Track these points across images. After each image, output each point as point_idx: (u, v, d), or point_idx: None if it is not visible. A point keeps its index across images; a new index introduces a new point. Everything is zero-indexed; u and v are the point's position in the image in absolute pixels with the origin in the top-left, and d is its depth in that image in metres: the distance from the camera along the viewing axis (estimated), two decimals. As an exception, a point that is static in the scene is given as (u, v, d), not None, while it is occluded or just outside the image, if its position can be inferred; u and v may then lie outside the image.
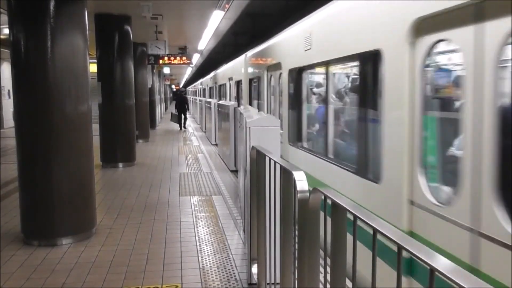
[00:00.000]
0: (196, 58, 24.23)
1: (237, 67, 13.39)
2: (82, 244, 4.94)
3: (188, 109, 22.30)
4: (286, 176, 2.76)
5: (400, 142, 3.39)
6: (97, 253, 4.68)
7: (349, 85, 5.20)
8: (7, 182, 7.89)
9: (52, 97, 4.92)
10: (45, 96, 4.90)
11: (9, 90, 20.22)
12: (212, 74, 24.09)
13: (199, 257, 4.55)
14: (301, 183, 2.38)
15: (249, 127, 3.86)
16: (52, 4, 4.89)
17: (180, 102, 20.33)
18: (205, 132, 18.40)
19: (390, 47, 3.56)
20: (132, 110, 10.37)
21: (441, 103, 3.29)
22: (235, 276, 4.09)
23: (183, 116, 20.24)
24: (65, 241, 4.97)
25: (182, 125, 20.21)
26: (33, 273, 4.18)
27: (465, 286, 1.04)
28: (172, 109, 21.90)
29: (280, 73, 7.70)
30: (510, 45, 2.49)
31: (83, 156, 5.22)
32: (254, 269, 3.75)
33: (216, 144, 13.78)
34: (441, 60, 3.22)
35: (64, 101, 4.99)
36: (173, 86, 53.46)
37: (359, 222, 1.66)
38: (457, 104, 3.02)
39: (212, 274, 4.12)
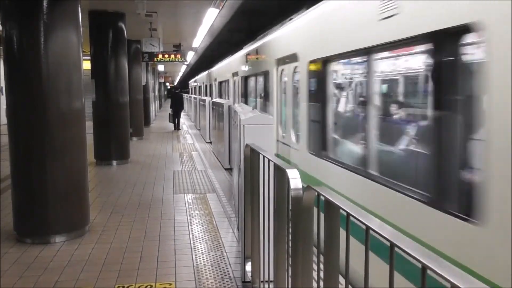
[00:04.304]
0: (190, 56, 24.17)
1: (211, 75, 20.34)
2: (75, 242, 4.92)
3: (183, 109, 21.77)
4: (280, 174, 2.76)
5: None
6: (91, 251, 4.67)
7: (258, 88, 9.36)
8: (0, 180, 7.84)
9: (45, 94, 4.89)
10: (38, 93, 4.88)
11: (1, 87, 20.08)
12: (203, 74, 25.30)
13: (193, 255, 4.54)
14: (295, 181, 2.38)
15: (243, 125, 3.86)
16: (45, 1, 4.85)
17: (176, 101, 19.46)
18: (199, 130, 18.36)
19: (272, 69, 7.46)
20: (126, 108, 10.33)
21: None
22: (229, 274, 4.09)
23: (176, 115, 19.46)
24: (59, 239, 4.95)
25: (177, 125, 19.10)
26: (26, 271, 4.16)
27: (457, 284, 1.05)
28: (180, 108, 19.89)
29: (229, 80, 14.06)
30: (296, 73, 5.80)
31: (76, 154, 5.20)
32: (248, 266, 3.76)
33: (211, 142, 13.77)
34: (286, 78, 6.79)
35: (58, 98, 4.97)
36: (167, 84, 53.31)
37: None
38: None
39: (206, 272, 4.12)
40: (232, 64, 13.61)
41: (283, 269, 2.77)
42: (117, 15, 9.94)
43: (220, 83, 17.42)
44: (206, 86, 25.44)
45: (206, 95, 23.05)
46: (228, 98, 14.48)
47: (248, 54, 10.46)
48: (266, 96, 8.37)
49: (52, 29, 4.89)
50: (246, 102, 10.56)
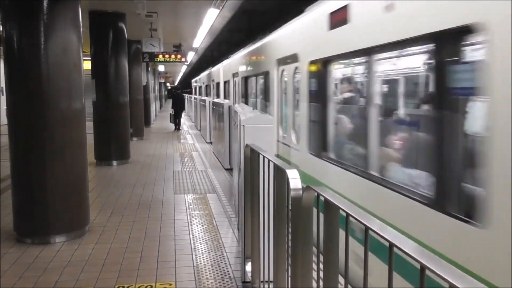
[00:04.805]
0: (191, 56, 24.19)
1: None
2: (75, 242, 4.92)
3: (184, 109, 21.79)
4: (280, 174, 2.76)
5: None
6: (91, 251, 4.67)
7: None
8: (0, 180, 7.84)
9: (45, 94, 4.89)
10: (38, 93, 4.88)
11: (2, 87, 20.08)
12: (213, 69, 20.94)
13: (193, 255, 4.54)
14: (295, 181, 2.38)
15: (243, 125, 3.86)
16: (45, 1, 4.86)
17: (178, 102, 19.47)
18: (199, 130, 18.36)
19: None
20: (126, 108, 10.34)
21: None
22: (229, 274, 4.09)
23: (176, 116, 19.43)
24: (58, 239, 4.95)
25: (177, 126, 19.04)
26: (26, 271, 4.16)
27: (455, 283, 1.04)
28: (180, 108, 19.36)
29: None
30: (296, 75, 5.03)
31: (76, 154, 5.20)
32: (248, 267, 3.76)
33: (211, 142, 13.77)
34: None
35: (58, 99, 4.97)
36: (168, 84, 53.36)
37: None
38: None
39: (206, 272, 4.12)
40: (283, 43, 7.20)
41: (283, 269, 2.77)
42: (117, 15, 9.94)
43: (246, 79, 10.92)
44: (217, 84, 18.58)
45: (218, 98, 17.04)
46: (267, 104, 8.30)
47: (335, 14, 4.88)
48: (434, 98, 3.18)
49: (52, 29, 4.90)
50: (323, 120, 5.26)
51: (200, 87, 28.77)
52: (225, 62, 15.78)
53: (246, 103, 10.53)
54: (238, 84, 12.28)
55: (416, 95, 3.91)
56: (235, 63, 12.90)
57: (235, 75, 12.95)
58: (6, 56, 4.97)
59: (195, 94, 31.29)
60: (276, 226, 2.85)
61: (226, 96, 15.53)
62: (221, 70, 16.71)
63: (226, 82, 15.53)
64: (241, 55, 11.81)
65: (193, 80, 39.73)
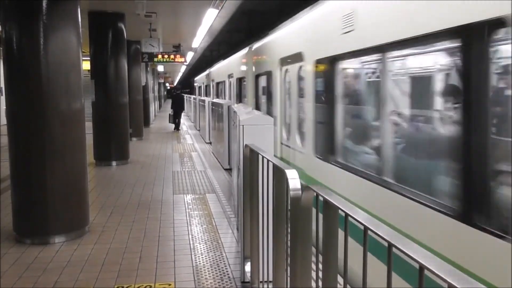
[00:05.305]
0: (190, 56, 24.19)
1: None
2: (75, 243, 4.93)
3: (184, 110, 21.78)
4: (279, 174, 2.77)
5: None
6: (90, 252, 4.67)
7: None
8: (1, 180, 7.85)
9: (45, 95, 4.89)
10: (38, 93, 4.88)
11: (1, 88, 20.07)
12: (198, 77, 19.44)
13: (192, 255, 4.55)
14: (294, 181, 2.38)
15: (243, 125, 3.87)
16: (45, 1, 4.86)
17: (177, 102, 19.48)
18: (199, 130, 18.37)
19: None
20: (125, 108, 10.34)
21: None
22: (228, 274, 4.09)
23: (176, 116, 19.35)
24: (58, 240, 4.95)
25: (177, 126, 19.07)
26: (25, 272, 4.16)
27: (454, 284, 1.05)
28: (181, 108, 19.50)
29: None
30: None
31: (76, 154, 5.20)
32: (247, 267, 3.76)
33: (210, 142, 13.78)
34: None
35: (57, 99, 4.97)
36: (167, 84, 53.33)
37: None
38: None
39: (205, 272, 4.13)
40: None
41: (282, 269, 2.77)
42: (117, 15, 9.94)
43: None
44: (239, 80, 12.22)
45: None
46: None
47: None
48: None
49: (52, 30, 4.90)
50: None
51: (207, 86, 23.59)
52: (198, 78, 10.97)
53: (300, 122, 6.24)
54: (286, 81, 7.06)
55: None
56: (271, 50, 8.06)
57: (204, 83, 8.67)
58: (6, 56, 4.97)
59: (199, 95, 27.54)
60: (275, 226, 2.85)
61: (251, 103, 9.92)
62: (198, 81, 12.34)
63: (271, 74, 8.68)
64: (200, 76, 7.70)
65: (196, 78, 34.42)
